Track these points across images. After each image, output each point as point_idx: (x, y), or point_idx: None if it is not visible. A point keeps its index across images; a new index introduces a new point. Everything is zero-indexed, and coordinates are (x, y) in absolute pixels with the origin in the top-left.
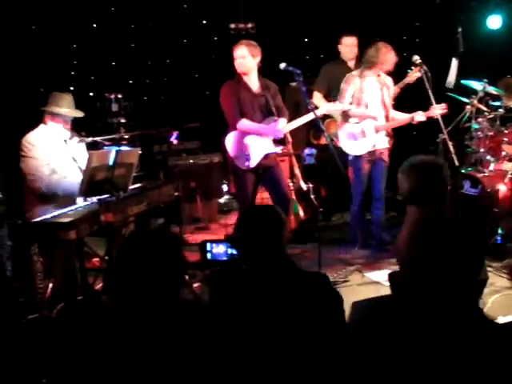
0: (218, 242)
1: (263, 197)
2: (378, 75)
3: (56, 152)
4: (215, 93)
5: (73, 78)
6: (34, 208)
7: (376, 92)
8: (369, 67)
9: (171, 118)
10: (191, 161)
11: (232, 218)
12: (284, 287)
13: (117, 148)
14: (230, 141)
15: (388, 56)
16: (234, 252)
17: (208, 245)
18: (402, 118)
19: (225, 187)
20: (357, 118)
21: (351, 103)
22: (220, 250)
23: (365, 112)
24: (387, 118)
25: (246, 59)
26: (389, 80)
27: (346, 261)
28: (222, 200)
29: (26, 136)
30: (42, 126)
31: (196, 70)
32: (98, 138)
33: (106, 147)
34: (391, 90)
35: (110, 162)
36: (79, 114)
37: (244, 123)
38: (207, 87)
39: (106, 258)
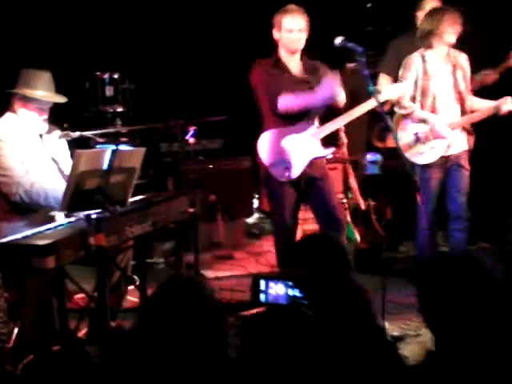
0: (276, 278)
1: (306, 217)
2: (448, 53)
3: (28, 150)
4: (246, 75)
5: (53, 50)
6: (4, 216)
7: (446, 76)
8: (428, 44)
9: (186, 109)
10: (211, 166)
11: (264, 245)
12: (368, 346)
13: (114, 147)
14: (264, 142)
15: (452, 26)
16: (297, 294)
17: (262, 282)
18: (484, 107)
19: (255, 203)
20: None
21: (414, 98)
22: (279, 290)
23: (433, 119)
24: (464, 111)
25: (304, 34)
26: (463, 58)
27: (417, 307)
28: (250, 220)
29: None
30: (8, 114)
31: (221, 42)
32: (87, 133)
33: (98, 145)
34: (467, 70)
35: (104, 166)
36: (60, 98)
37: (286, 99)
38: (236, 67)
39: (95, 294)
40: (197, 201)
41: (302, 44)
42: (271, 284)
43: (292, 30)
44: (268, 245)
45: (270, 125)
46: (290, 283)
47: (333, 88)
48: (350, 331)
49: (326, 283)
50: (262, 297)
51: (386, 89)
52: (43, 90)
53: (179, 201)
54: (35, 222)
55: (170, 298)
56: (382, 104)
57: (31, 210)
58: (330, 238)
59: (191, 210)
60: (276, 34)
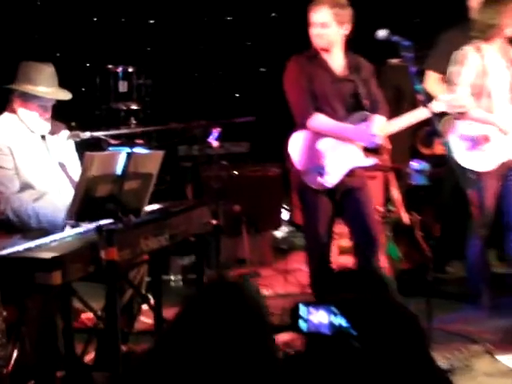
0: (317, 305)
1: (342, 231)
2: (503, 46)
3: (29, 155)
4: (277, 72)
5: (58, 41)
6: None
7: (503, 72)
8: (487, 37)
9: (209, 108)
10: (236, 173)
11: (293, 262)
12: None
13: (128, 150)
14: (296, 145)
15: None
16: (343, 323)
17: (303, 309)
18: None
19: (284, 215)
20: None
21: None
22: (321, 318)
23: (492, 119)
24: None
25: (330, 28)
26: None
27: (467, 334)
28: (279, 233)
29: None
30: (6, 114)
31: (250, 34)
32: (99, 134)
33: (111, 148)
34: None
35: (118, 171)
36: (65, 95)
37: (319, 121)
38: (265, 62)
39: (104, 314)
40: (220, 211)
41: (327, 41)
42: (312, 310)
43: (313, 24)
44: (298, 262)
45: (302, 127)
46: (335, 310)
47: (372, 138)
48: (403, 367)
49: (376, 311)
50: (303, 325)
51: (445, 98)
52: (45, 86)
53: (200, 211)
54: (35, 235)
55: (208, 312)
56: (438, 114)
57: (20, 231)
58: (369, 273)
59: (213, 221)
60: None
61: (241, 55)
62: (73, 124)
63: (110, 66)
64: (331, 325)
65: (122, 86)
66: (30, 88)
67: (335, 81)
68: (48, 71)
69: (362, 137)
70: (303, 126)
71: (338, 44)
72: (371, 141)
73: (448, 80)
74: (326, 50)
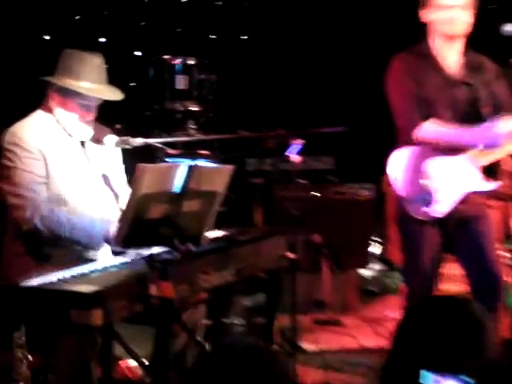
0: (443, 372)
1: (451, 273)
2: None
3: (65, 164)
4: (376, 72)
5: (102, 23)
6: (16, 261)
7: None
8: None
9: (289, 115)
10: (317, 194)
11: (384, 308)
12: None
13: (190, 162)
14: (398, 165)
15: None
16: None
17: (426, 376)
18: None
19: (376, 248)
20: None
21: None
22: None
23: None
24: None
25: (468, 12)
26: None
27: None
28: (367, 272)
29: (11, 129)
30: (40, 113)
31: (340, 29)
32: (154, 141)
33: (168, 159)
34: None
35: (176, 188)
36: (114, 94)
37: (428, 129)
38: (359, 62)
39: (150, 363)
40: (297, 242)
41: (463, 27)
42: (438, 378)
43: (452, 7)
44: (391, 308)
45: (409, 139)
46: (468, 380)
47: (496, 137)
48: None
49: None
50: None
51: None
52: (90, 82)
53: (273, 242)
54: (66, 263)
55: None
56: None
57: (50, 245)
58: (467, 306)
59: (289, 254)
60: (425, 16)
61: (328, 53)
62: (117, 126)
63: (165, 57)
64: None
65: (180, 82)
66: (70, 83)
67: (449, 85)
68: (95, 63)
69: (484, 136)
70: (408, 140)
71: (463, 36)
72: (494, 141)
73: None
74: (452, 40)
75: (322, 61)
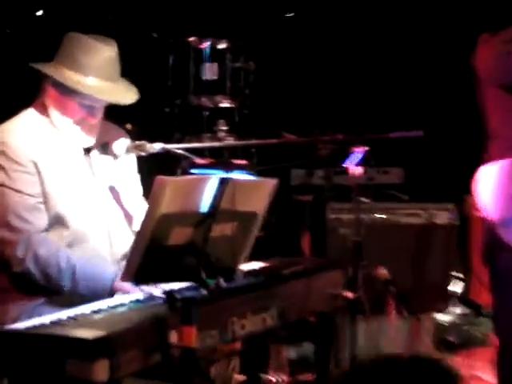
0: None
1: None
2: None
3: (64, 177)
4: (460, 65)
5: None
6: (4, 298)
7: None
8: None
9: (348, 115)
10: (382, 216)
11: (465, 362)
12: None
13: (222, 174)
14: (489, 180)
15: None
16: None
17: None
18: None
19: (457, 287)
20: None
21: None
22: None
23: None
24: None
25: None
26: None
27: None
28: (446, 317)
29: None
30: (31, 112)
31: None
32: (174, 147)
33: (194, 170)
34: None
35: (204, 207)
36: (129, 96)
37: None
38: (437, 50)
39: None
40: (357, 278)
41: None
42: None
43: None
44: (476, 365)
45: (505, 150)
46: None
47: None
48: None
49: None
50: None
51: None
52: (99, 78)
53: (325, 276)
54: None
55: None
56: None
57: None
58: None
59: (347, 293)
60: None
61: (404, 37)
62: (128, 126)
63: (190, 39)
64: None
65: (209, 71)
66: (72, 78)
67: None
68: (106, 55)
69: None
70: (503, 147)
71: None
72: None
73: None
74: None
75: (391, 47)
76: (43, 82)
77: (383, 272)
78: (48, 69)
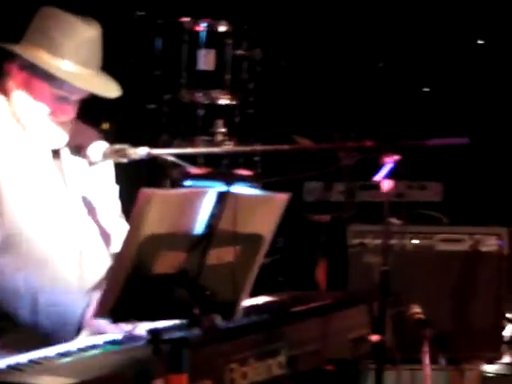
0: None
1: None
2: None
3: (26, 184)
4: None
5: None
6: None
7: None
8: None
9: (376, 117)
10: (416, 241)
11: None
12: None
13: (222, 187)
14: None
15: None
16: None
17: None
18: None
19: (509, 330)
20: None
21: None
22: None
23: None
24: None
25: None
26: None
27: None
28: (495, 369)
29: None
30: None
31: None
32: (162, 152)
33: (188, 181)
34: None
35: (199, 228)
36: (109, 88)
37: None
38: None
39: None
40: (386, 318)
41: None
42: None
43: None
44: None
45: None
46: None
47: None
48: None
49: None
50: None
51: None
52: (76, 62)
53: (346, 315)
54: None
55: None
56: None
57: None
58: None
59: (373, 336)
60: None
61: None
62: (104, 126)
63: (184, 20)
64: None
65: (205, 60)
66: (45, 59)
67: None
68: (87, 36)
69: None
70: None
71: None
72: None
73: None
74: None
75: (433, 35)
76: (8, 63)
77: (416, 310)
78: (17, 47)
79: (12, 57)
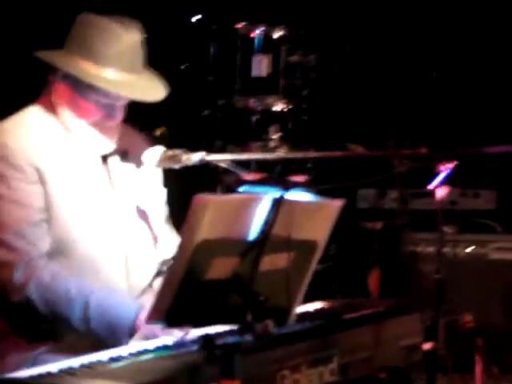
0: None
1: None
2: None
3: (75, 190)
4: None
5: None
6: (2, 343)
7: None
8: None
9: (430, 124)
10: (469, 250)
11: None
12: None
13: (275, 193)
14: None
15: None
16: None
17: None
18: None
19: None
20: None
21: None
22: None
23: None
24: None
25: None
26: None
27: None
28: None
29: None
30: (36, 110)
31: None
32: (216, 158)
33: (242, 188)
34: None
35: (253, 234)
36: (155, 91)
37: None
38: None
39: None
40: (439, 327)
41: None
42: None
43: None
44: None
45: None
46: None
47: None
48: None
49: None
50: None
51: None
52: (118, 69)
53: (399, 323)
54: (71, 348)
55: None
56: None
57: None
58: None
59: (426, 345)
60: None
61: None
62: (158, 132)
63: (238, 26)
64: None
65: (260, 66)
66: (88, 70)
67: None
68: (129, 42)
69: None
70: None
71: None
72: None
73: None
74: None
75: (484, 52)
76: (51, 74)
77: (469, 319)
78: (57, 59)
79: (53, 68)
